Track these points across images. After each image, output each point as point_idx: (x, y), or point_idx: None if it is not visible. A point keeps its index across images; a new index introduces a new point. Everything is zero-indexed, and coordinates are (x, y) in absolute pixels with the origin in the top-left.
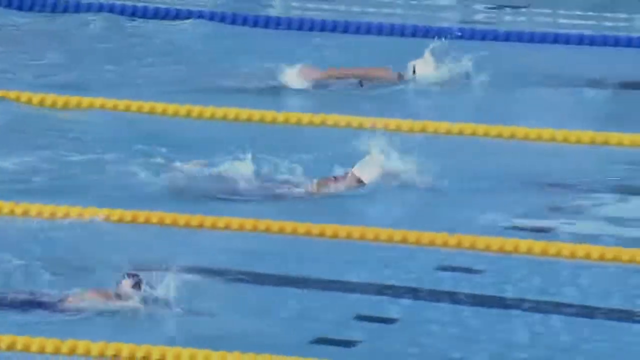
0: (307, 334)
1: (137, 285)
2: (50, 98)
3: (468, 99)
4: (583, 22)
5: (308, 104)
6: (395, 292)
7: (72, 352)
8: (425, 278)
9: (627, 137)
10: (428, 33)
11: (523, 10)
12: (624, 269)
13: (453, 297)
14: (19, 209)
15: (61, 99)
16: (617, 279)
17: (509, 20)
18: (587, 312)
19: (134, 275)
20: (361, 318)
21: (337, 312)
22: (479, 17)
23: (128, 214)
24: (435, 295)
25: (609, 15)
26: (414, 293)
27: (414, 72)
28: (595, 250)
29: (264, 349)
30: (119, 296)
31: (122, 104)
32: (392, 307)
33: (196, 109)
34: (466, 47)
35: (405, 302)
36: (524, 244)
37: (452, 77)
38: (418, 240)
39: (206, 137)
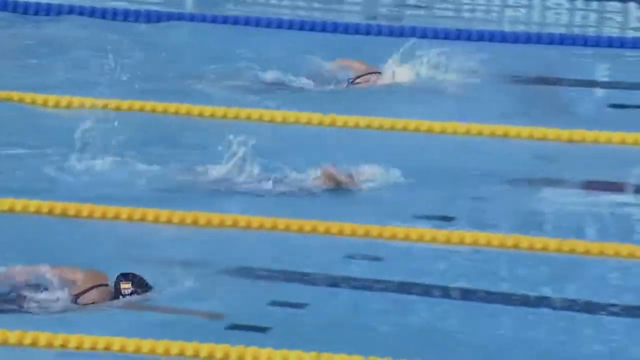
0: (222, 321)
1: (136, 285)
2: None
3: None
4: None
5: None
6: (306, 279)
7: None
8: (335, 266)
9: (531, 130)
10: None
11: (424, 4)
12: (523, 256)
13: (361, 284)
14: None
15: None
16: (514, 267)
17: (410, 15)
18: (486, 297)
19: (130, 276)
20: (274, 304)
21: (250, 299)
22: (383, 11)
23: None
24: (344, 282)
25: (511, 2)
26: (324, 280)
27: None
28: (494, 238)
29: (179, 336)
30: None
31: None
32: (303, 294)
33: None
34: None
35: (316, 288)
36: (429, 233)
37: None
38: (328, 230)
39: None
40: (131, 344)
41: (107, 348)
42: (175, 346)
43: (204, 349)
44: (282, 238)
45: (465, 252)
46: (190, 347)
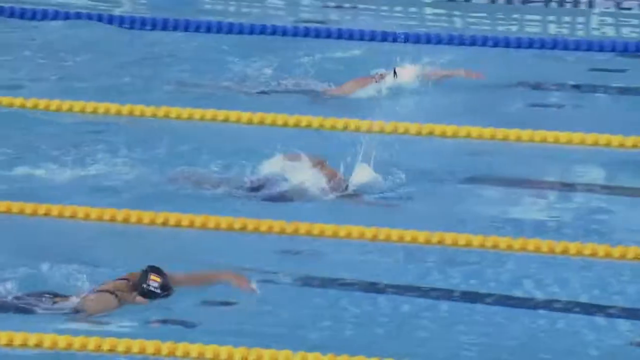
0: (150, 316)
1: (162, 282)
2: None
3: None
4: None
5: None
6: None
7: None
8: (266, 262)
9: (455, 129)
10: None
11: (347, 7)
12: (450, 252)
13: (290, 280)
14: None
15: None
16: (440, 263)
17: (334, 19)
18: (414, 293)
19: (158, 271)
20: (204, 301)
21: (184, 297)
22: (306, 15)
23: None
24: (275, 278)
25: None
26: (256, 276)
27: (395, 76)
28: (421, 235)
29: (106, 332)
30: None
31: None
32: (233, 291)
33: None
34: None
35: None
36: (356, 229)
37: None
38: (257, 227)
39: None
40: (62, 340)
41: (37, 345)
42: (106, 343)
43: (136, 345)
44: (211, 236)
45: (393, 249)
46: (122, 344)
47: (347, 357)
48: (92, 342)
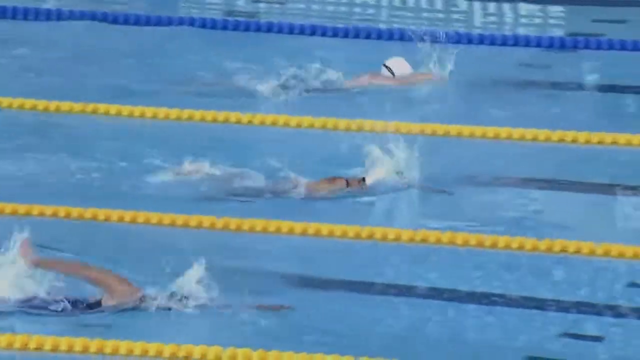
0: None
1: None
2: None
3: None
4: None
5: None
6: None
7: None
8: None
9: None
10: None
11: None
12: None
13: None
14: None
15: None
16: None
17: (264, 10)
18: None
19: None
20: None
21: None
22: (239, 8)
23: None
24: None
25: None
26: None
27: (393, 74)
28: (351, 229)
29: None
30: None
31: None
32: None
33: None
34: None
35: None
36: (287, 225)
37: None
38: (186, 222)
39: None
40: None
41: None
42: (33, 340)
43: (63, 342)
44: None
45: (325, 243)
46: (49, 342)
47: (277, 353)
48: (17, 340)
